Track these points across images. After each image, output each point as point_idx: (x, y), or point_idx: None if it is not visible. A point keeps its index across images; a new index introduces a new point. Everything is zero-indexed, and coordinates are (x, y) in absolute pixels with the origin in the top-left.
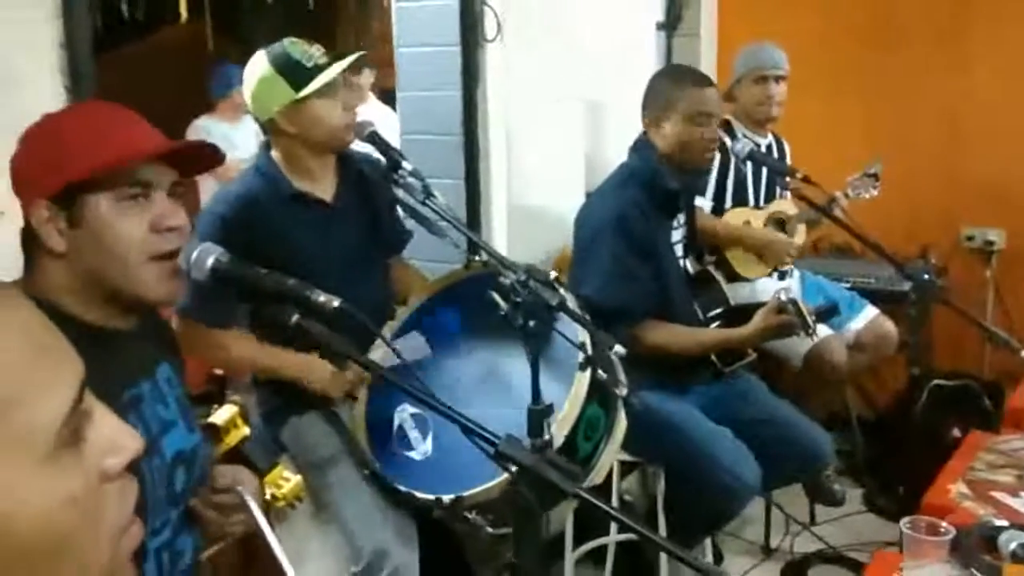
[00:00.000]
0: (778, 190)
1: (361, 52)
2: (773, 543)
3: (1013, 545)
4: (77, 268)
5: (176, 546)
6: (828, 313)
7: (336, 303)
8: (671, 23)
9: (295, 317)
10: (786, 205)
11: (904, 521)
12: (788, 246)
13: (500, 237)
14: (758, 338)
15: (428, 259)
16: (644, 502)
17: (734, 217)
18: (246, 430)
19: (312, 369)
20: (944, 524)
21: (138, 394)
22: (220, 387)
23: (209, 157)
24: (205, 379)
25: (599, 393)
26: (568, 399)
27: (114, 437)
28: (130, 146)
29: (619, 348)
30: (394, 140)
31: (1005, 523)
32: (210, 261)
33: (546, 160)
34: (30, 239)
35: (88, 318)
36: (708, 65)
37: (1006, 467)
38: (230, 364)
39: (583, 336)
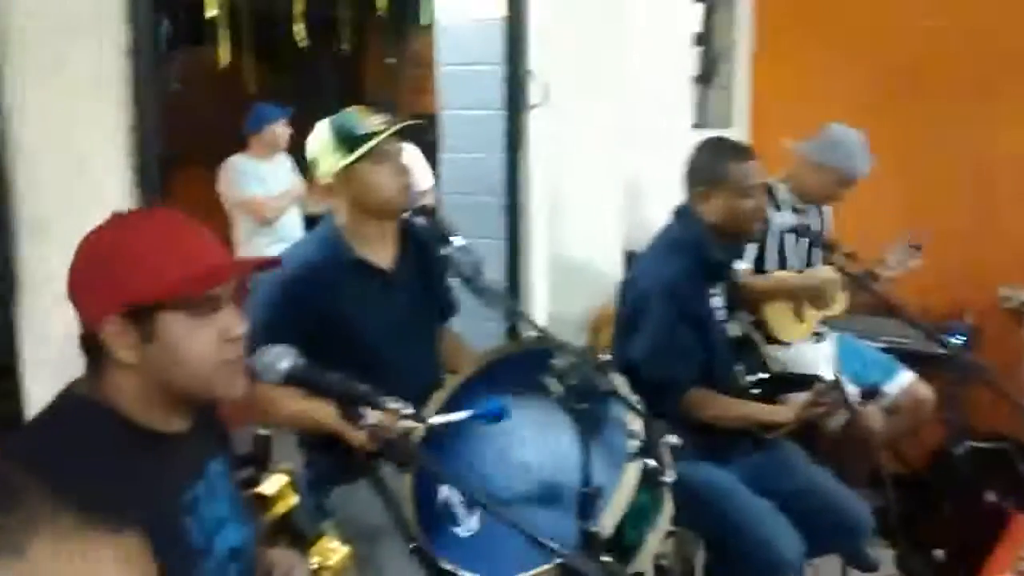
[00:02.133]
0: (815, 256)
1: (415, 120)
2: None
3: None
4: (146, 378)
5: None
6: (870, 395)
7: (407, 411)
8: (705, 76)
9: (366, 419)
10: (827, 273)
11: None
12: (831, 286)
13: (540, 297)
14: (797, 423)
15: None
16: (680, 567)
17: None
18: (294, 499)
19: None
20: None
21: (194, 496)
22: (265, 449)
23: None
24: (251, 440)
25: (648, 481)
26: (618, 488)
27: None
28: (210, 270)
29: (674, 439)
30: (417, 169)
31: None
32: (284, 366)
33: (585, 220)
34: (94, 346)
35: (149, 424)
36: (741, 117)
37: None
38: (278, 420)
39: (634, 423)
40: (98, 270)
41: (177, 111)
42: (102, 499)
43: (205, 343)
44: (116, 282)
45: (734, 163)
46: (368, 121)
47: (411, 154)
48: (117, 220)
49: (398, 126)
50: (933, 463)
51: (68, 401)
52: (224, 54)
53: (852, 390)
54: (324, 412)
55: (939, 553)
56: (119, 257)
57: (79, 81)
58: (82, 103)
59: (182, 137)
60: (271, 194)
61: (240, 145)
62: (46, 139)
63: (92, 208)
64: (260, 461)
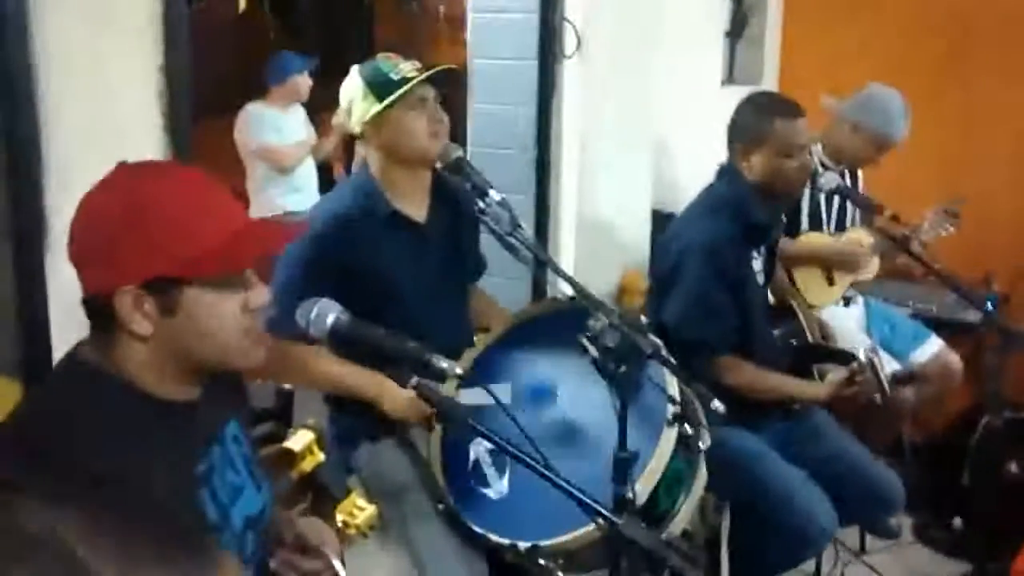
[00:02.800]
0: (850, 218)
1: (449, 66)
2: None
3: None
4: (160, 348)
5: None
6: (906, 379)
7: (459, 370)
8: (735, 31)
9: (414, 380)
10: (860, 234)
11: None
12: (864, 255)
13: (567, 254)
14: (829, 401)
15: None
16: (704, 532)
17: (808, 240)
18: (321, 456)
19: (391, 392)
20: None
21: (208, 466)
22: (287, 403)
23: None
24: (273, 395)
25: (684, 447)
26: (655, 454)
27: None
28: (246, 243)
29: (718, 405)
30: None
31: None
32: (330, 320)
33: (615, 178)
34: (103, 314)
35: (162, 394)
36: (771, 73)
37: None
38: (308, 381)
39: (672, 387)
40: (115, 236)
41: (194, 59)
42: (123, 483)
43: (229, 316)
44: (140, 253)
45: (780, 120)
46: (401, 67)
47: None
48: (130, 178)
49: (432, 71)
50: (955, 431)
51: (74, 370)
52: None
53: (887, 367)
54: (360, 378)
55: (958, 522)
56: (143, 224)
57: (111, 20)
58: (113, 44)
59: (198, 86)
60: (287, 143)
61: (258, 94)
62: (74, 82)
63: (122, 154)
64: (282, 416)
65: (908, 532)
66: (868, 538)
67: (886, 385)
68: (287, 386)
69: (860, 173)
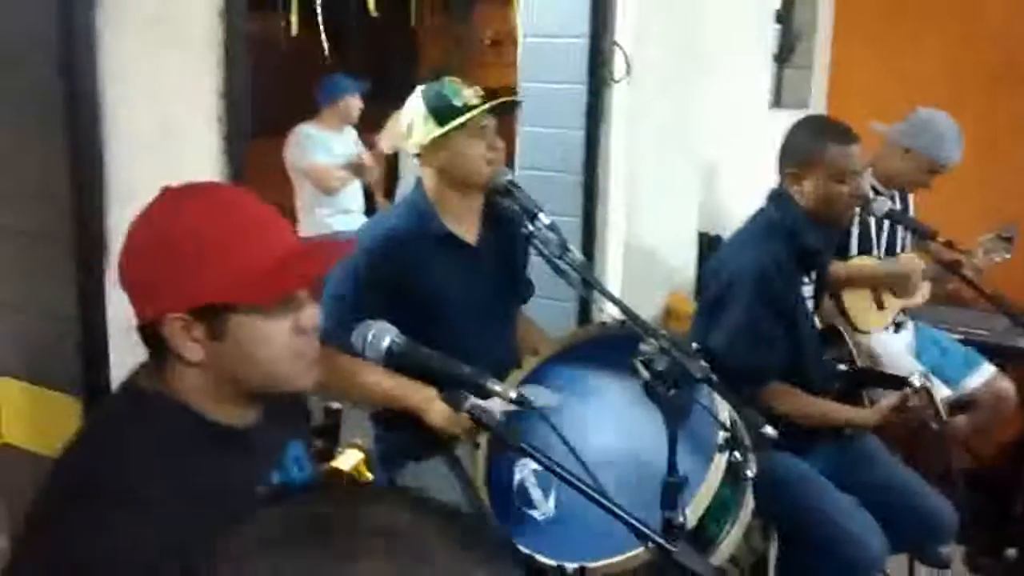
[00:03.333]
0: (900, 243)
1: (513, 98)
2: None
3: None
4: (214, 373)
5: None
6: (962, 406)
7: (513, 394)
8: (783, 55)
9: (468, 403)
10: (912, 259)
11: None
12: (916, 275)
13: (614, 277)
14: (880, 425)
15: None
16: (748, 557)
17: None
18: (369, 476)
19: (438, 406)
20: None
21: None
22: (335, 422)
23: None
24: (322, 413)
25: (732, 475)
26: (705, 481)
27: None
28: (291, 269)
29: (770, 431)
30: None
31: None
32: (386, 343)
33: (662, 200)
34: (155, 340)
35: (219, 418)
36: (819, 98)
37: None
38: (356, 392)
39: (723, 413)
40: (161, 262)
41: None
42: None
43: (279, 340)
44: (185, 280)
45: (834, 145)
46: (464, 93)
47: None
48: (174, 204)
49: (496, 102)
50: (1007, 459)
51: (130, 395)
52: (294, 23)
53: (941, 393)
54: (408, 390)
55: (1011, 552)
56: (187, 252)
57: (174, 46)
58: (176, 69)
59: (251, 105)
60: (336, 164)
61: (309, 115)
62: (137, 107)
63: (181, 177)
64: (331, 434)
65: (959, 562)
66: (918, 567)
67: (943, 411)
68: (335, 404)
69: (911, 198)
